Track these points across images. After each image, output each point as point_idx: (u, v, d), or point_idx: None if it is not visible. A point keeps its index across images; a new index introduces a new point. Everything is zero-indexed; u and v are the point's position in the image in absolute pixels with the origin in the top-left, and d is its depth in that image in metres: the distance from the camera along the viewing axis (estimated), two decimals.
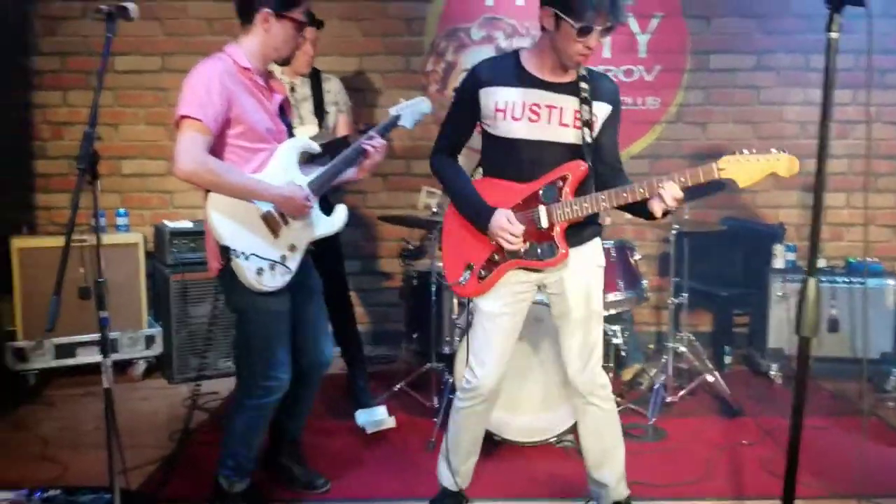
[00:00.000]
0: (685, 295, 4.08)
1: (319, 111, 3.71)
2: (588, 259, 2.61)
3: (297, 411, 2.97)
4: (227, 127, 2.50)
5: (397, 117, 3.03)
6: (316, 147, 2.79)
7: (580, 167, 2.47)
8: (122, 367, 4.41)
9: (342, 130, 3.79)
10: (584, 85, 2.46)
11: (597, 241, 2.65)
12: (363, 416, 3.70)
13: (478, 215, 2.54)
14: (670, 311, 4.06)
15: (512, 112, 2.47)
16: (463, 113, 2.59)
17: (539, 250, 2.51)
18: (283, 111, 2.77)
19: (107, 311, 2.27)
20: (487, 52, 5.00)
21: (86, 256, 4.06)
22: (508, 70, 2.49)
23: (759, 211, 5.10)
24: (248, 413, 2.72)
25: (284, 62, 2.71)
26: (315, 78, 3.74)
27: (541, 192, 2.49)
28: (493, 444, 3.40)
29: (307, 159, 2.80)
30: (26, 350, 4.20)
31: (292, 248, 2.65)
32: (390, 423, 3.68)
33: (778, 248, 4.62)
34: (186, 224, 4.47)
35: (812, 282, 1.94)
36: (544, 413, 3.50)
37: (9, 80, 4.86)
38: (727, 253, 4.80)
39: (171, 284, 4.31)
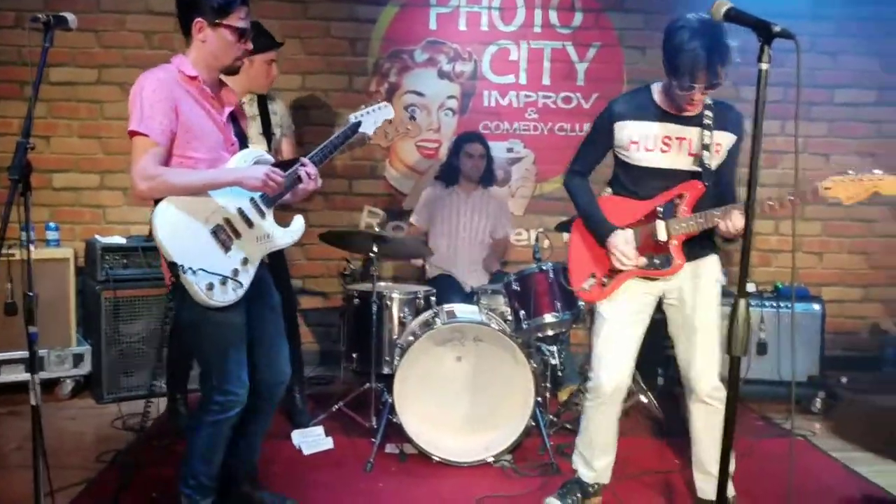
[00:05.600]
0: None
1: (267, 132, 3.67)
2: (705, 272, 2.84)
3: (253, 432, 2.89)
4: (175, 136, 2.47)
5: (358, 123, 2.97)
6: (269, 158, 2.73)
7: (697, 186, 2.72)
8: (49, 386, 4.25)
9: (286, 153, 3.76)
10: (708, 113, 2.71)
11: (714, 257, 2.89)
12: (299, 437, 3.65)
13: (598, 232, 2.83)
14: None
15: (645, 144, 2.74)
16: (598, 142, 2.86)
17: (657, 261, 2.76)
18: (236, 122, 2.74)
19: (36, 326, 2.20)
20: (430, 74, 5.07)
21: (13, 271, 3.91)
22: (643, 105, 2.74)
23: None
24: (205, 430, 2.66)
25: (231, 71, 2.66)
26: (262, 98, 3.70)
27: (660, 208, 2.75)
28: (430, 464, 3.41)
29: None
30: None
31: (245, 261, 2.61)
32: (327, 444, 3.64)
33: None
34: (119, 240, 4.35)
35: (742, 302, 2.00)
36: (483, 433, 3.51)
37: None
38: None
39: (101, 301, 4.18)
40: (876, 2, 5.12)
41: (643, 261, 2.77)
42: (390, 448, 3.57)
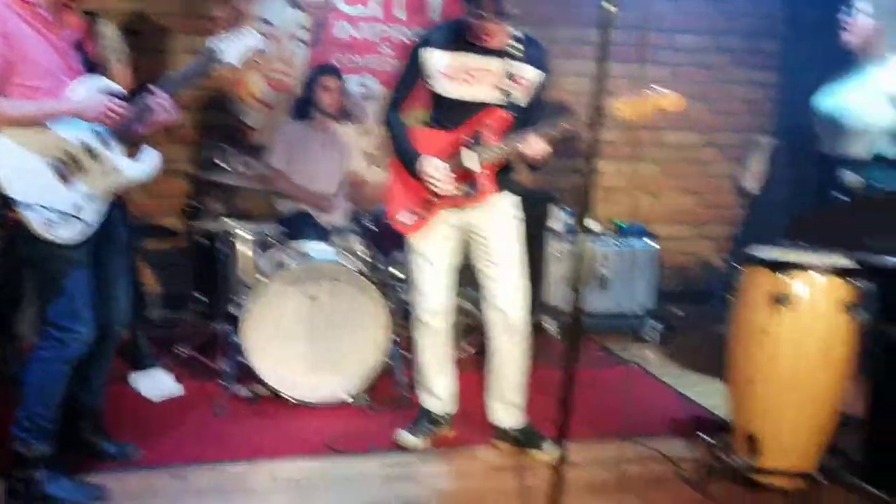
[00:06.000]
0: None
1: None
2: (507, 209, 2.97)
3: (92, 376, 2.77)
4: (12, 65, 2.30)
5: (214, 50, 2.63)
6: (117, 88, 2.56)
7: (501, 115, 2.78)
8: None
9: (120, 81, 3.47)
10: (517, 45, 2.79)
11: (509, 196, 2.98)
12: (143, 381, 3.50)
13: (409, 162, 2.87)
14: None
15: (450, 74, 2.81)
16: (410, 72, 2.89)
17: (466, 188, 2.83)
18: (82, 48, 2.58)
19: None
20: (280, 2, 4.83)
21: None
22: (451, 36, 2.81)
23: (536, 175, 5.37)
24: (43, 366, 2.53)
25: None
26: (88, 24, 3.39)
27: (465, 137, 2.82)
28: (284, 405, 3.37)
29: None
30: None
31: (90, 197, 2.47)
32: (177, 390, 3.52)
33: (554, 211, 4.91)
34: None
35: (583, 239, 2.08)
36: (338, 372, 3.51)
37: None
38: None
39: None
40: None
41: (453, 188, 2.84)
42: (242, 391, 3.50)
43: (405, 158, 2.92)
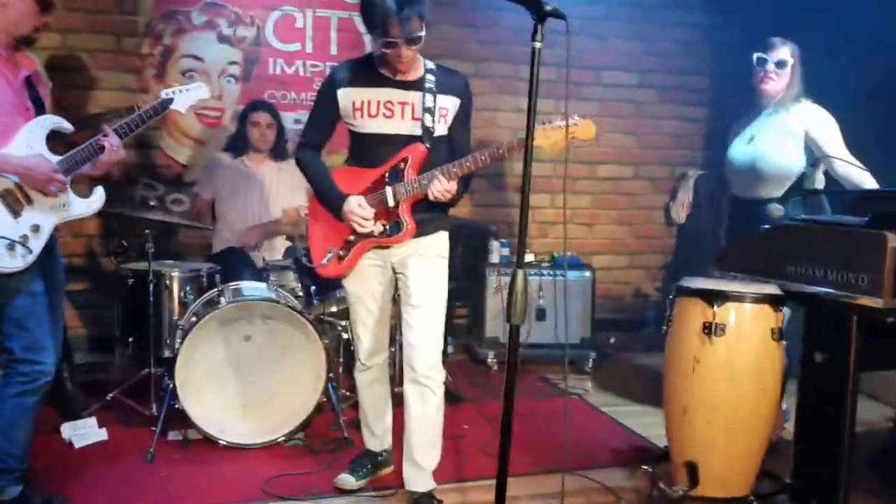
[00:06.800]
0: None
1: None
2: (431, 248, 2.83)
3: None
4: None
5: (169, 100, 2.90)
6: (67, 126, 2.66)
7: (419, 149, 2.71)
8: None
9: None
10: (430, 77, 2.72)
11: (442, 233, 2.87)
12: (70, 430, 3.36)
13: (332, 203, 2.78)
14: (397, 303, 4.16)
15: (368, 110, 2.72)
16: (324, 112, 2.81)
17: (389, 227, 2.75)
18: (33, 87, 2.64)
19: None
20: (209, 38, 4.81)
21: None
22: (364, 71, 2.73)
23: (477, 210, 5.43)
24: (9, 403, 2.53)
25: (27, 42, 2.59)
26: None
27: (386, 174, 2.74)
28: (217, 449, 3.28)
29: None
30: None
31: (36, 228, 2.56)
32: (100, 435, 3.38)
33: (493, 244, 4.96)
34: None
35: (520, 273, 2.09)
36: (274, 413, 3.43)
37: None
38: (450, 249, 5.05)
39: None
40: None
41: (379, 227, 2.75)
42: (173, 436, 3.39)
43: (327, 199, 2.81)
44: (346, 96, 2.72)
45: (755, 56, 3.47)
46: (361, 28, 5.03)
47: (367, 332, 2.91)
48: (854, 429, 2.55)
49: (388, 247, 2.80)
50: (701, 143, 5.84)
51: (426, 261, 2.82)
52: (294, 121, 4.98)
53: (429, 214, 2.79)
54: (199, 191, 4.41)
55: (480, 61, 5.25)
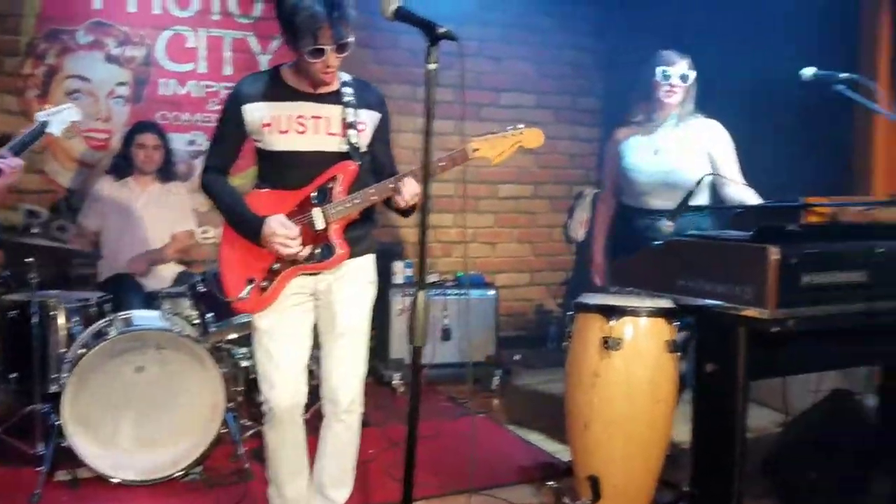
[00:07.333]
0: None
1: None
2: (358, 272, 2.65)
3: None
4: None
5: (45, 123, 2.82)
6: None
7: (349, 167, 2.51)
8: None
9: None
10: (347, 90, 2.55)
11: (370, 256, 2.70)
12: None
13: (249, 228, 2.50)
14: None
15: (279, 126, 2.49)
16: (230, 131, 2.56)
17: (319, 252, 2.52)
18: None
19: None
20: (96, 57, 4.63)
21: None
22: (271, 85, 2.52)
23: (381, 231, 5.40)
24: None
25: None
26: None
27: (313, 195, 2.51)
28: (109, 487, 3.11)
29: None
30: None
31: None
32: None
33: (397, 265, 4.94)
34: None
35: (421, 294, 2.08)
36: (169, 447, 3.29)
37: None
38: None
39: None
40: (534, 12, 5.68)
41: (307, 251, 2.51)
42: (61, 475, 3.19)
43: (241, 224, 2.53)
44: (253, 112, 2.49)
45: (659, 70, 3.50)
46: (256, 48, 4.98)
47: (283, 377, 2.56)
48: (745, 435, 2.64)
49: (316, 273, 2.57)
50: (594, 163, 6.01)
51: (355, 287, 2.63)
52: (188, 142, 4.86)
53: (358, 235, 2.61)
54: (83, 221, 4.23)
55: (379, 82, 5.19)
